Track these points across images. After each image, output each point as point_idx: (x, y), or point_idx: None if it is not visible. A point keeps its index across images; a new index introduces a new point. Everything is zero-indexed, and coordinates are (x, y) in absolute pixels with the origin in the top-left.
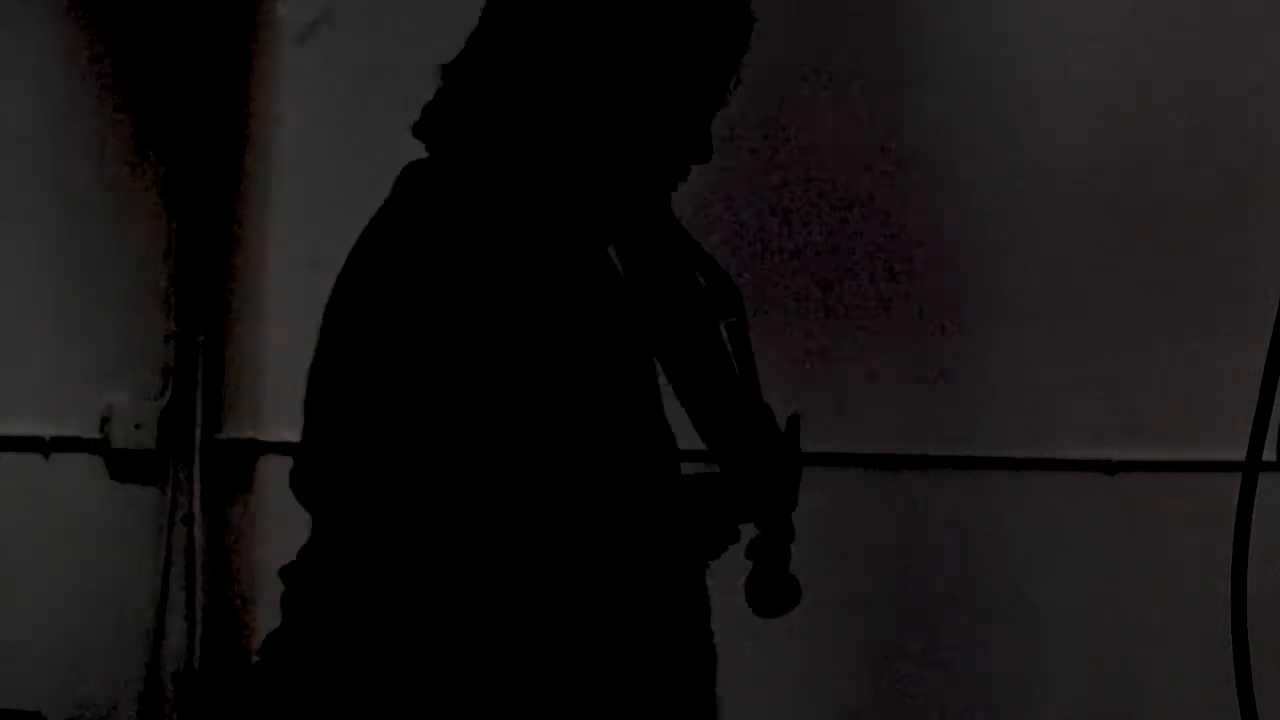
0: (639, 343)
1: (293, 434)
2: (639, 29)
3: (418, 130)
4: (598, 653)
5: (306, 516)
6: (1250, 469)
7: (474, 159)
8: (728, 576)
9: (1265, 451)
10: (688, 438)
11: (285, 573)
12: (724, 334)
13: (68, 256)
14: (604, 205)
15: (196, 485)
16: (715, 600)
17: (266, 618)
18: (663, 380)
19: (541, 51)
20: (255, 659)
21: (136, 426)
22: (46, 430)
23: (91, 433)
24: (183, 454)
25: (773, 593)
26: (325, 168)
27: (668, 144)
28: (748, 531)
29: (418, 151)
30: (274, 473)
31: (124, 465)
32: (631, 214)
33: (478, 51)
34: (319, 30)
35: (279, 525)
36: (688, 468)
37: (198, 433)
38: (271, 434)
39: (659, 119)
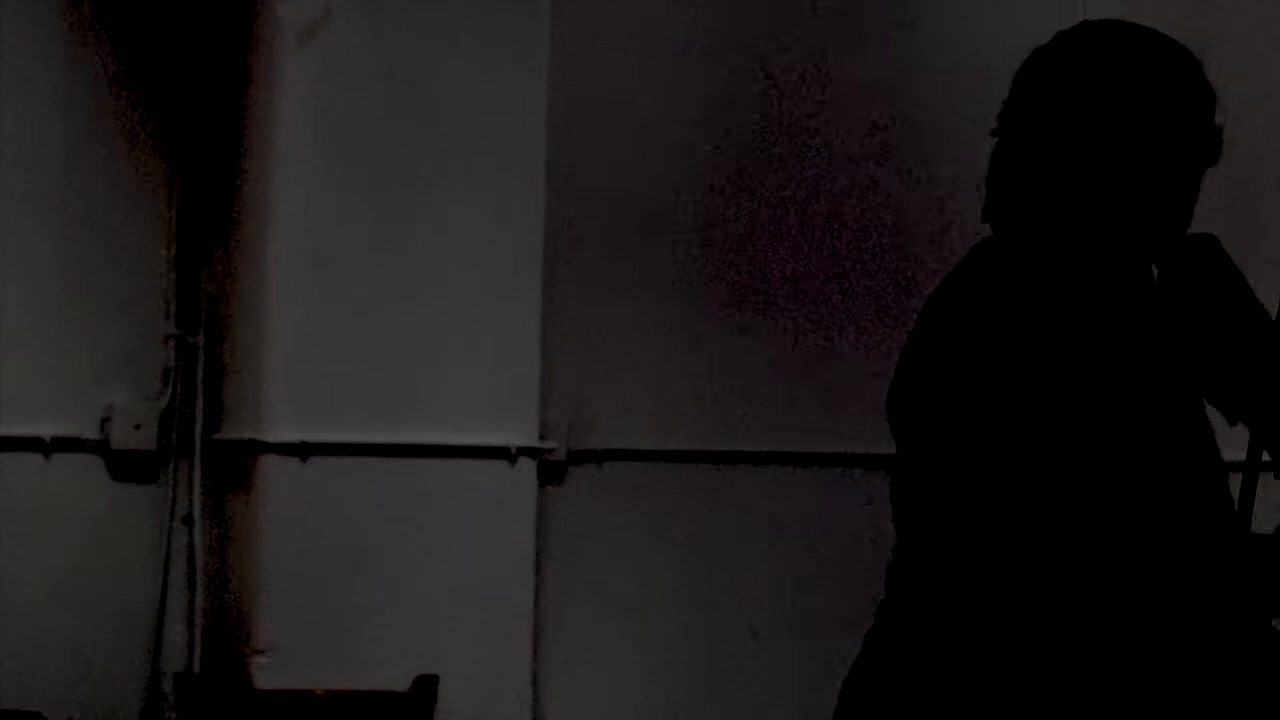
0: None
1: (292, 434)
2: (1149, 113)
3: (985, 215)
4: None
5: (306, 516)
6: (1250, 469)
7: (1033, 229)
8: (726, 577)
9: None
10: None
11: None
12: None
13: (68, 257)
14: (1140, 252)
15: (196, 485)
16: (714, 601)
17: (266, 617)
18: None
19: (1078, 135)
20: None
21: (136, 426)
22: (46, 430)
23: (91, 433)
24: (183, 454)
25: None
26: (325, 168)
27: (1181, 198)
28: None
29: (417, 150)
30: (274, 473)
31: (124, 465)
32: (1159, 251)
33: (1021, 142)
34: (319, 30)
35: (278, 525)
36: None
37: (198, 432)
38: (271, 434)
39: (1175, 184)
